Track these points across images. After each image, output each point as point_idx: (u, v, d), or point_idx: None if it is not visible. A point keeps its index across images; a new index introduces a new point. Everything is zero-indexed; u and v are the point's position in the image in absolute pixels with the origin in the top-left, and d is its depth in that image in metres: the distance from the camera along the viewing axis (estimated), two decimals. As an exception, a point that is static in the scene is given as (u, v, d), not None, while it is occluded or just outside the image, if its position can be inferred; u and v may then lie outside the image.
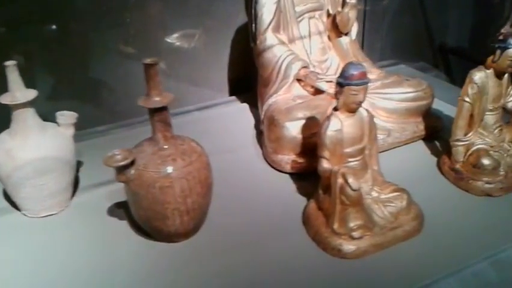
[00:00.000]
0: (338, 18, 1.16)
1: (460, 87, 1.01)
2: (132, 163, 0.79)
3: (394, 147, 1.15)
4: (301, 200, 0.98)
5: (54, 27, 1.29)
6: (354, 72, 0.80)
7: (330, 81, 1.13)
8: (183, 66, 1.47)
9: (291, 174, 1.07)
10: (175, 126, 1.34)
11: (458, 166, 1.01)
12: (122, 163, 0.77)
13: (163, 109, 0.78)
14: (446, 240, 0.86)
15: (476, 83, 0.97)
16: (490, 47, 0.97)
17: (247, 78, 1.44)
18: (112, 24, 1.35)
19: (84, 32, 1.32)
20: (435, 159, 1.10)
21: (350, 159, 0.87)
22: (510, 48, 0.93)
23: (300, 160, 1.05)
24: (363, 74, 0.80)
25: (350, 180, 0.80)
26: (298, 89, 1.17)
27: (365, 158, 0.89)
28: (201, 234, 0.90)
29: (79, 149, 1.10)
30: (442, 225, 0.90)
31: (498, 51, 0.94)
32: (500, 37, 0.95)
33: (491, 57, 0.96)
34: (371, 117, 0.87)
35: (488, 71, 0.98)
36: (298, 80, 1.17)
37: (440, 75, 1.80)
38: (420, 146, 1.17)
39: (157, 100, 0.77)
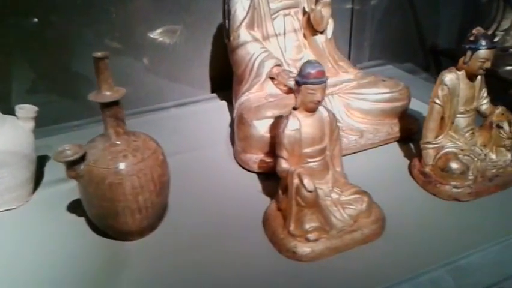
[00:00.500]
0: (311, 16, 1.14)
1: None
2: (83, 159, 0.77)
3: (367, 149, 1.12)
4: (266, 201, 0.96)
5: (33, 20, 1.28)
6: (311, 70, 0.78)
7: (303, 80, 1.10)
8: (163, 62, 1.45)
9: (258, 173, 1.05)
10: (151, 123, 1.35)
11: (427, 169, 0.99)
12: (71, 158, 0.76)
13: (114, 104, 0.76)
14: (406, 245, 0.84)
15: (446, 85, 0.95)
16: (461, 47, 0.94)
17: (229, 75, 1.42)
18: (92, 18, 1.34)
19: (63, 26, 1.31)
20: (407, 161, 1.07)
21: (309, 160, 0.85)
22: (481, 49, 0.91)
23: (268, 160, 1.03)
24: (321, 73, 0.78)
25: (305, 181, 0.78)
26: (271, 88, 1.15)
27: (326, 159, 0.87)
28: (159, 233, 0.89)
29: (51, 143, 1.10)
30: (405, 230, 0.88)
31: (469, 53, 0.92)
32: (471, 38, 0.92)
33: (462, 59, 0.93)
34: (333, 117, 0.85)
35: (459, 72, 0.95)
36: (272, 78, 1.15)
37: (429, 78, 1.77)
38: (394, 148, 1.14)
39: (107, 95, 0.76)
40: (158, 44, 1.44)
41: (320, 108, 0.84)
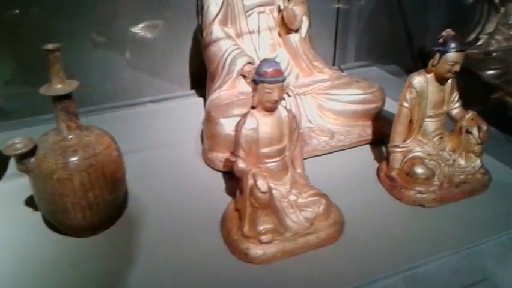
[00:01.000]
0: (284, 14, 1.12)
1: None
2: (33, 152, 0.76)
3: (337, 151, 1.10)
4: (228, 200, 0.94)
5: (10, 11, 1.27)
6: (268, 69, 0.76)
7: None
8: (142, 58, 1.44)
9: (224, 172, 1.03)
10: (126, 117, 1.33)
11: (393, 173, 0.97)
12: (20, 151, 0.74)
13: (65, 98, 0.75)
14: (364, 250, 0.82)
15: (414, 88, 0.93)
16: (432, 50, 0.92)
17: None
18: (69, 12, 1.32)
19: (41, 17, 1.30)
20: (377, 165, 1.05)
21: (267, 160, 0.83)
22: (450, 52, 0.88)
23: (234, 159, 1.01)
24: (278, 72, 0.76)
25: (259, 181, 0.76)
26: (243, 85, 1.14)
27: (285, 160, 0.85)
28: (114, 230, 0.87)
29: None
30: (365, 234, 0.86)
31: (437, 55, 0.90)
32: (441, 40, 0.90)
33: (431, 61, 0.91)
34: (293, 117, 0.83)
35: (428, 75, 0.93)
36: (244, 76, 1.13)
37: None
38: (366, 150, 1.12)
39: (58, 88, 0.74)
40: (138, 39, 1.42)
41: (280, 107, 0.82)
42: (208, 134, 1.03)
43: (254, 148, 0.81)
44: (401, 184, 0.94)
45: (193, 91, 1.49)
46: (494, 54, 1.45)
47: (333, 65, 1.74)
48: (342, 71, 1.64)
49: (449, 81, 0.94)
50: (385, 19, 1.76)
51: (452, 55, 0.88)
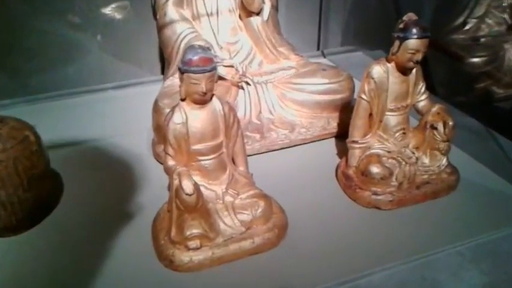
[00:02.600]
0: (241, -6, 1.03)
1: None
2: None
3: (298, 145, 1.02)
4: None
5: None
6: (193, 57, 0.68)
7: (230, 66, 1.01)
8: (109, 40, 1.36)
9: (171, 167, 0.96)
10: (86, 104, 1.27)
11: (350, 171, 0.88)
12: None
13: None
14: (305, 257, 0.75)
15: (373, 78, 0.84)
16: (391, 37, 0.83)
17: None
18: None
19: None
20: (338, 161, 0.97)
21: (200, 158, 0.75)
22: (410, 39, 0.79)
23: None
24: (205, 61, 0.68)
25: (184, 182, 0.69)
26: (200, 73, 1.05)
27: (222, 157, 0.77)
28: (39, 230, 0.81)
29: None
30: (310, 239, 0.78)
31: (397, 42, 0.80)
32: (401, 25, 0.80)
33: (391, 49, 0.82)
34: (229, 110, 0.75)
35: (389, 64, 0.84)
36: (200, 63, 1.04)
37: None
38: (329, 144, 1.04)
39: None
40: (103, 21, 1.35)
41: (214, 99, 0.74)
42: (155, 125, 0.96)
43: (183, 144, 0.73)
44: (357, 184, 0.86)
45: (162, 76, 1.41)
46: (482, 40, 1.33)
47: (317, 49, 1.65)
48: (324, 56, 1.55)
49: (414, 71, 0.85)
50: (373, 1, 1.65)
51: (413, 42, 0.79)
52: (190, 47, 0.70)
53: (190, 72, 0.68)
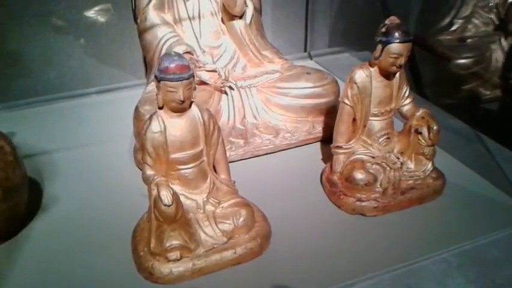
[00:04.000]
0: (222, -3, 1.01)
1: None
2: None
3: (283, 150, 1.01)
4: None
5: None
6: (170, 65, 0.66)
7: (213, 71, 0.99)
8: (91, 44, 1.35)
9: (152, 175, 0.94)
10: (68, 110, 1.24)
11: (335, 177, 0.87)
12: None
13: None
14: (288, 267, 0.74)
15: (356, 83, 0.82)
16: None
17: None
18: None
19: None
20: (323, 166, 0.95)
21: (180, 167, 0.74)
22: (393, 43, 0.78)
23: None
24: (182, 68, 0.67)
25: (162, 192, 0.67)
26: (182, 78, 1.03)
27: (202, 165, 0.75)
28: (14, 242, 0.79)
29: None
30: (292, 248, 0.77)
31: (379, 46, 0.79)
32: (383, 29, 0.79)
33: (373, 53, 0.81)
34: (209, 118, 0.74)
35: (372, 69, 0.82)
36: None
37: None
38: (314, 149, 1.03)
39: None
40: (85, 25, 1.33)
41: (193, 107, 0.73)
42: (136, 132, 0.94)
43: (162, 154, 0.72)
44: (341, 190, 0.84)
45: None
46: (468, 40, 1.33)
47: (305, 51, 1.64)
48: (311, 58, 1.54)
49: (398, 74, 0.84)
50: (360, 2, 1.64)
51: (395, 46, 0.78)
52: (165, 55, 0.68)
53: (167, 80, 0.67)
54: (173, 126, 0.71)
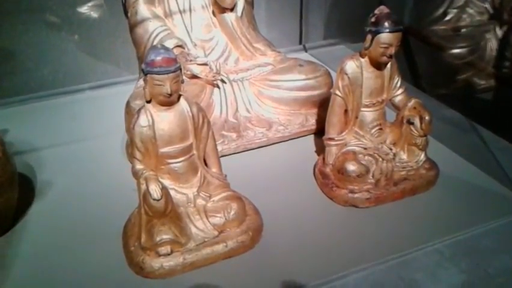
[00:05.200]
0: (212, -11, 1.00)
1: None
2: None
3: (275, 143, 1.00)
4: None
5: None
6: (156, 58, 0.66)
7: (204, 64, 0.98)
8: (84, 39, 1.34)
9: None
10: (60, 106, 1.24)
11: (327, 169, 0.87)
12: None
13: None
14: (280, 260, 0.73)
15: (347, 74, 0.82)
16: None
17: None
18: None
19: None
20: (316, 159, 0.95)
21: (170, 161, 0.73)
22: (383, 33, 0.77)
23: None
24: (169, 61, 0.66)
25: (151, 187, 0.67)
26: (174, 72, 1.02)
27: (192, 159, 0.75)
28: (7, 238, 0.79)
29: None
30: (284, 241, 0.77)
31: (369, 36, 0.78)
32: (372, 19, 0.78)
33: (364, 43, 0.80)
34: (197, 111, 0.73)
35: (362, 59, 0.82)
36: (174, 61, 1.02)
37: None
38: (308, 142, 1.02)
39: None
40: (78, 20, 1.32)
41: (181, 100, 0.72)
42: (126, 126, 0.94)
43: (151, 148, 0.71)
44: (333, 182, 0.84)
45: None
46: (463, 30, 1.32)
47: (300, 43, 1.63)
48: (306, 50, 1.53)
49: (389, 65, 0.83)
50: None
51: (385, 36, 0.77)
52: (152, 48, 0.68)
53: (154, 74, 0.66)
54: (161, 120, 0.71)
